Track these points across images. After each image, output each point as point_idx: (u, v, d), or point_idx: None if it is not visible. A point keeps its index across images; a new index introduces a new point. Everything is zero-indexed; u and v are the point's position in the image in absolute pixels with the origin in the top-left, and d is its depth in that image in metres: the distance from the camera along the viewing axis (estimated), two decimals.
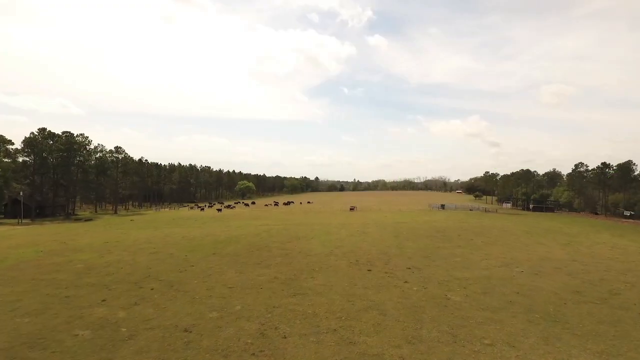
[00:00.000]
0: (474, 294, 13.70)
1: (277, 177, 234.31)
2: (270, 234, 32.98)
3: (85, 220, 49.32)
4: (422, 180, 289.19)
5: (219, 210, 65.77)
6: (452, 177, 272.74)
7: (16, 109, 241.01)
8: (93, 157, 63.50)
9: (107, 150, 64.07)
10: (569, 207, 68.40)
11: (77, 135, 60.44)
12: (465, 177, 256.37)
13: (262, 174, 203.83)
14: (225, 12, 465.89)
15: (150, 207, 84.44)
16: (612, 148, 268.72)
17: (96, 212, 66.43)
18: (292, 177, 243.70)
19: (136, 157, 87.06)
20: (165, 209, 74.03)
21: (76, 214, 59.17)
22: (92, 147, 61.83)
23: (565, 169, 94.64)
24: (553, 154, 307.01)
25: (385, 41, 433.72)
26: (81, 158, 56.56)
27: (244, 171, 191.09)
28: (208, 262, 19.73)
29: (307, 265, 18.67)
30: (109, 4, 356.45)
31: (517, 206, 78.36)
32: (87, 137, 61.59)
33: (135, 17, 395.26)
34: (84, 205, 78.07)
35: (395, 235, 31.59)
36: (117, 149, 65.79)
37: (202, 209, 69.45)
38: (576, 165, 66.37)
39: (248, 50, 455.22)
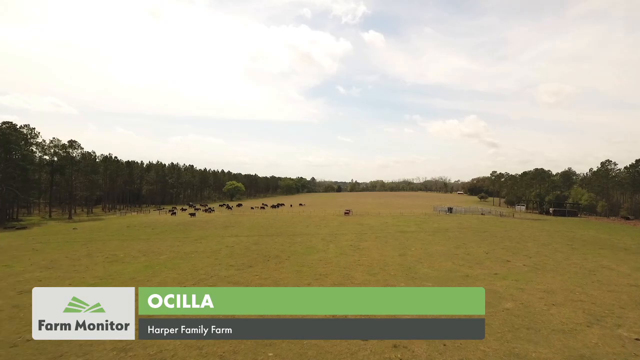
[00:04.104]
0: None
1: (272, 177, 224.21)
2: (232, 251, 24.44)
3: (18, 229, 40.50)
4: (421, 180, 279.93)
5: (192, 214, 57.06)
6: (451, 177, 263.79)
7: (7, 108, 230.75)
8: (46, 153, 54.38)
9: (60, 145, 54.18)
10: (590, 210, 60.26)
11: (22, 127, 51.44)
12: (463, 178, 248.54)
13: (253, 174, 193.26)
14: (219, 10, 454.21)
15: (120, 209, 75.04)
16: (610, 149, 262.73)
17: (50, 216, 57.33)
18: (287, 177, 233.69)
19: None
20: (133, 213, 65.09)
21: (20, 220, 50.18)
22: (40, 140, 52.69)
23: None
24: (551, 154, 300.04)
25: (381, 40, 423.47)
26: (18, 154, 46.78)
27: (244, 172, 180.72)
28: None
29: None
30: (101, 2, 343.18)
31: (531, 209, 69.98)
32: (34, 128, 52.38)
33: (131, 16, 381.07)
34: (44, 209, 68.98)
35: (402, 254, 23.27)
36: (72, 144, 55.65)
37: (174, 213, 60.49)
38: (602, 164, 58.48)
39: (243, 49, 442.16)
